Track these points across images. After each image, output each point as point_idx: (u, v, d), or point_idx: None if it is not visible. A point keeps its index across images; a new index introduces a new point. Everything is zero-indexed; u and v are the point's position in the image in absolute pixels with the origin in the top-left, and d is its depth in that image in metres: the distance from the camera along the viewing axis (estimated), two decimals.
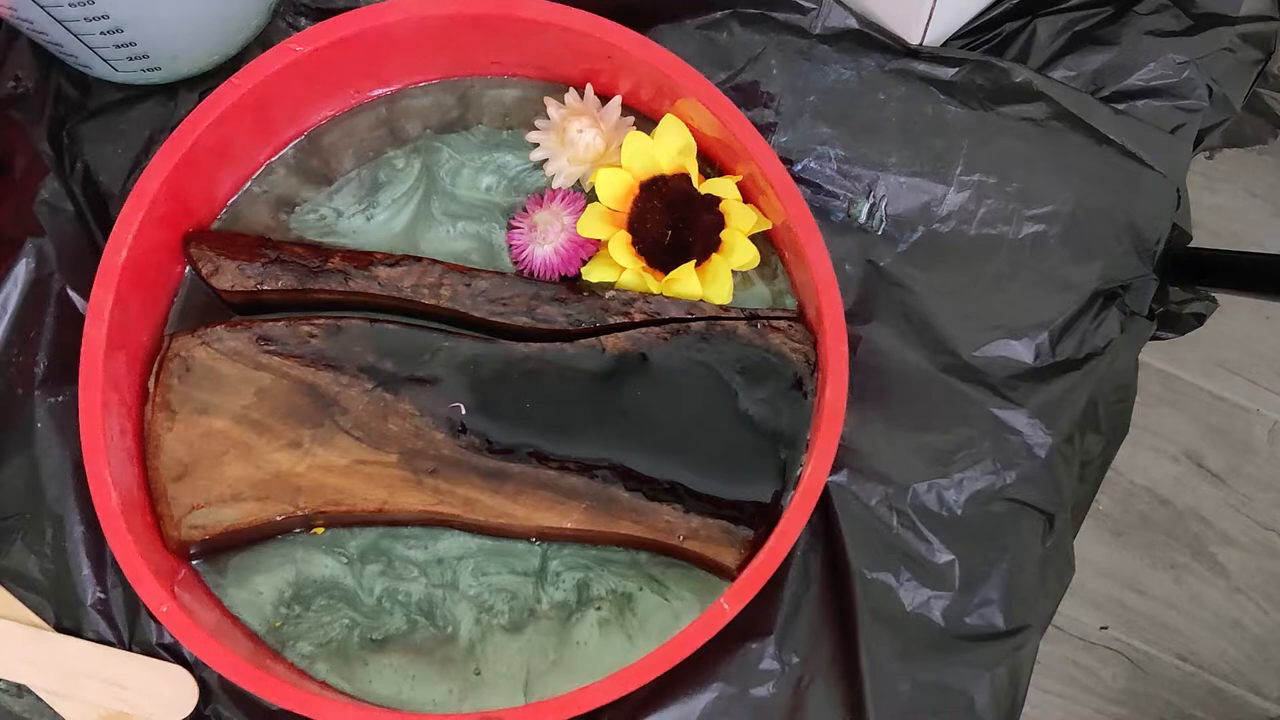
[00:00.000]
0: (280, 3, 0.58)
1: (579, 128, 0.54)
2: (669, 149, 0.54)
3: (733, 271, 0.54)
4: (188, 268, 0.55)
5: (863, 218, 0.58)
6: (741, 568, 0.50)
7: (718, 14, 0.60)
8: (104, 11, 0.50)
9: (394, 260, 0.53)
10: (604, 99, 0.56)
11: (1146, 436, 1.25)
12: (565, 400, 0.52)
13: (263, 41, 0.58)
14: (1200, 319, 0.67)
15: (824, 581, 0.55)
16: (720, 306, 0.54)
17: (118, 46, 0.52)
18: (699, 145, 0.55)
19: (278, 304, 0.53)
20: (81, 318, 0.49)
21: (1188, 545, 1.24)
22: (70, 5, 0.48)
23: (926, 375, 0.57)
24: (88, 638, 0.53)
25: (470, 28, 0.53)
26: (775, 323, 0.54)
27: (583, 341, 0.53)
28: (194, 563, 0.52)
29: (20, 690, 0.53)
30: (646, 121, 0.56)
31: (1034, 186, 0.58)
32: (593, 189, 0.55)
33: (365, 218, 0.56)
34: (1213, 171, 1.30)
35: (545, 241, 0.54)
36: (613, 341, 0.53)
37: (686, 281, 0.54)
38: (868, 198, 0.58)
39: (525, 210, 0.55)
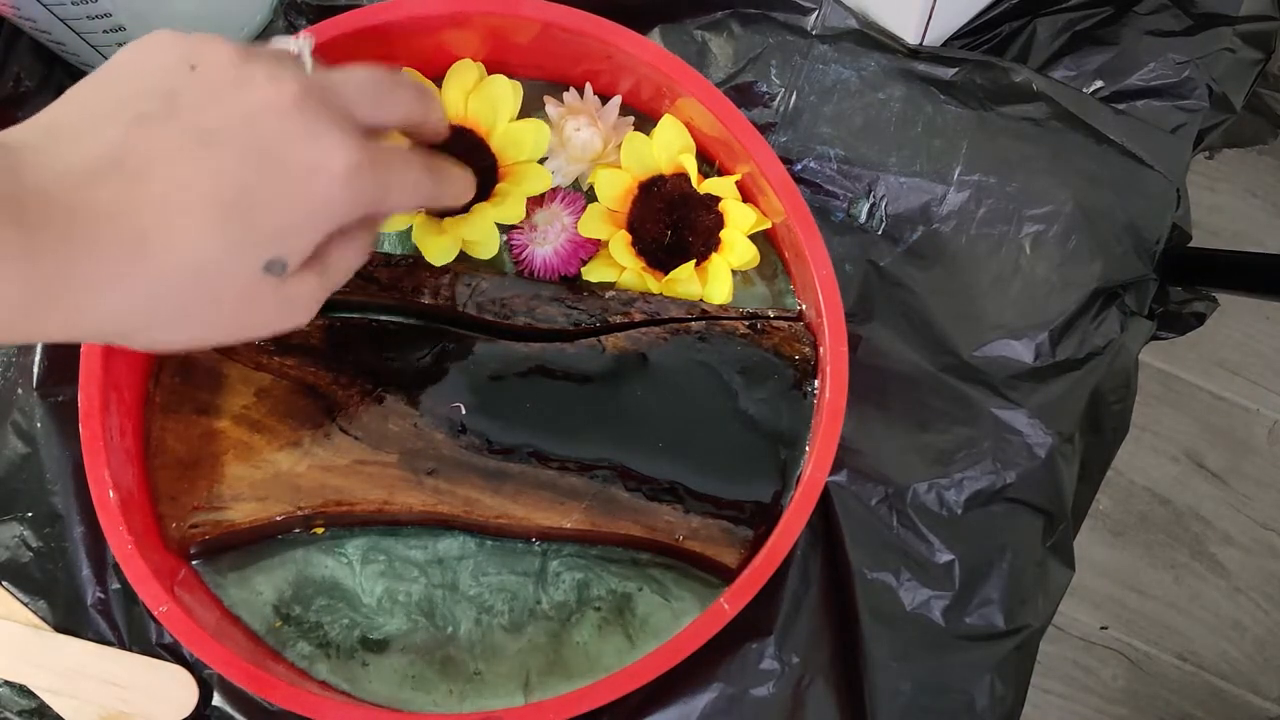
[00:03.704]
0: (281, 1, 0.58)
1: (576, 126, 0.54)
2: (668, 149, 0.54)
3: (733, 271, 0.54)
4: None
5: (863, 217, 0.58)
6: (741, 568, 0.50)
7: (717, 14, 0.60)
8: (106, 10, 0.50)
9: (394, 260, 0.53)
10: (605, 99, 0.56)
11: (1146, 436, 1.26)
12: (565, 400, 0.52)
13: (265, 39, 0.58)
14: (1200, 319, 0.67)
15: (824, 581, 0.55)
16: (720, 306, 0.54)
17: (120, 45, 0.52)
18: (698, 145, 0.55)
19: None
20: None
21: (1188, 545, 1.24)
22: (73, 4, 0.48)
23: (927, 375, 0.57)
24: (88, 638, 0.53)
25: (469, 27, 0.53)
26: (775, 323, 0.54)
27: (583, 341, 0.53)
28: (194, 563, 0.52)
29: (20, 690, 0.53)
30: (647, 121, 0.56)
31: (1034, 186, 0.58)
32: (592, 188, 0.55)
33: None
34: (1213, 171, 1.30)
35: (545, 241, 0.54)
36: (613, 341, 0.53)
37: (687, 281, 0.54)
38: (868, 197, 0.58)
39: (527, 210, 0.55)
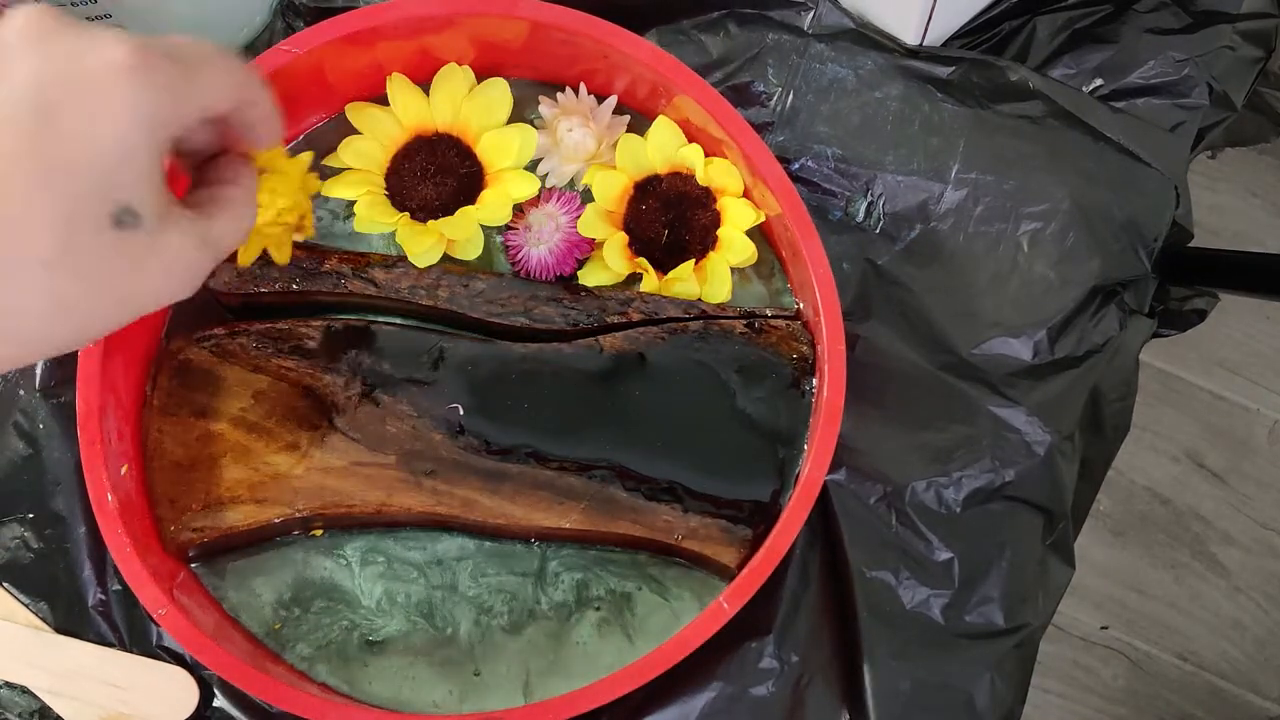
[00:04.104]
0: (280, 2, 0.59)
1: (569, 127, 0.54)
2: (662, 150, 0.54)
3: (731, 270, 0.54)
4: None
5: (860, 216, 0.58)
6: (740, 567, 0.50)
7: (714, 14, 0.60)
8: (106, 10, 0.50)
9: (391, 261, 0.53)
10: (601, 98, 0.56)
11: (1147, 436, 1.25)
12: (563, 400, 0.52)
13: (266, 40, 0.58)
14: (1202, 315, 0.67)
15: (823, 580, 0.55)
16: (718, 306, 0.54)
17: None
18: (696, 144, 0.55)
19: (275, 306, 0.53)
20: None
21: (1188, 545, 1.24)
22: (72, 4, 0.49)
23: (925, 373, 0.57)
24: (89, 639, 0.53)
25: (467, 29, 0.53)
26: (773, 322, 0.54)
27: (580, 342, 0.53)
28: (192, 565, 0.52)
29: (21, 691, 0.53)
30: (644, 120, 0.56)
31: (1031, 184, 0.58)
32: (588, 188, 0.55)
33: None
34: (1213, 171, 1.30)
35: (540, 242, 0.54)
36: (610, 341, 0.53)
37: (685, 281, 0.54)
38: (865, 196, 0.58)
39: (521, 210, 0.55)
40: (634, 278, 0.55)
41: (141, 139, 0.32)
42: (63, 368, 0.55)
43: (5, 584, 0.54)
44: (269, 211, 0.44)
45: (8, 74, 0.31)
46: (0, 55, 0.32)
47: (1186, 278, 0.65)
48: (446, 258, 0.54)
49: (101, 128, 0.31)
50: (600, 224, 0.54)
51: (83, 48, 0.32)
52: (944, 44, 0.61)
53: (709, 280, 0.54)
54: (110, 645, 0.53)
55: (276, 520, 0.50)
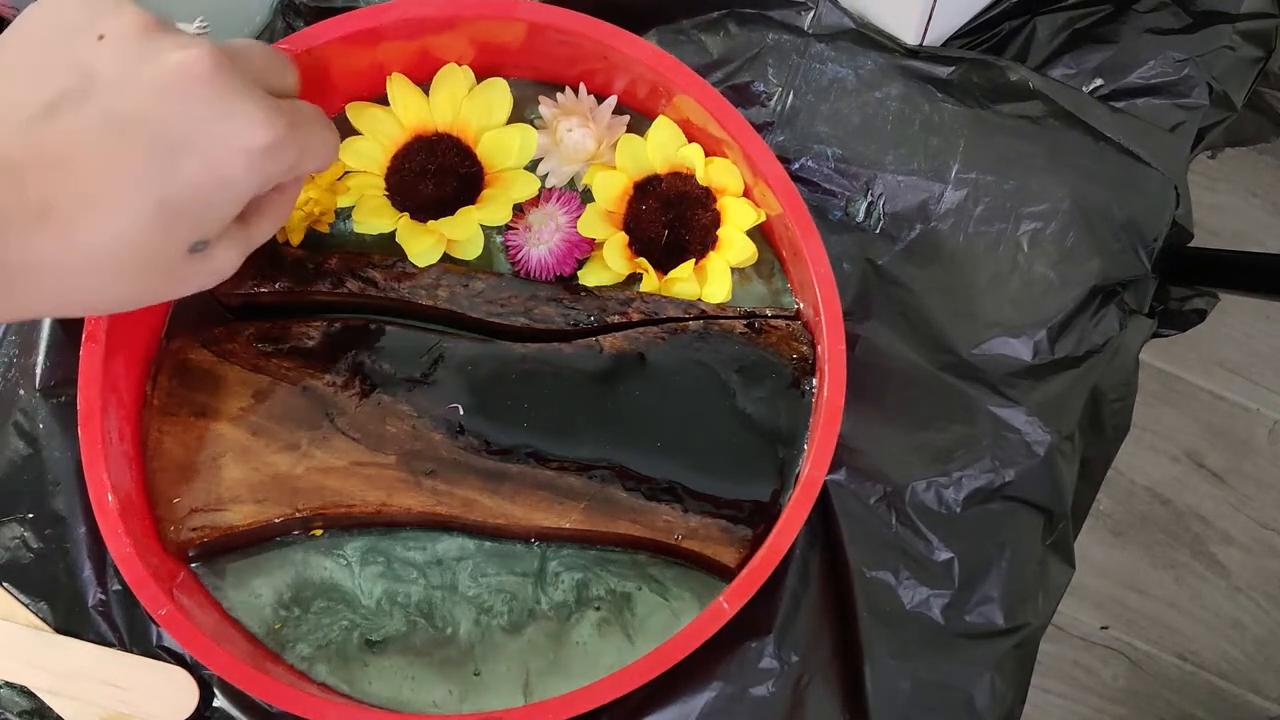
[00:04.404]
0: (280, 2, 0.59)
1: (568, 127, 0.54)
2: (662, 150, 0.54)
3: (731, 270, 0.54)
4: None
5: (860, 216, 0.58)
6: (740, 567, 0.50)
7: (714, 14, 0.60)
8: None
9: (391, 261, 0.53)
10: (601, 98, 0.56)
11: (1147, 436, 1.26)
12: (563, 400, 0.52)
13: (266, 40, 0.58)
14: (1201, 315, 0.67)
15: (823, 580, 0.55)
16: (718, 306, 0.54)
17: None
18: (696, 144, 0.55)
19: (275, 306, 0.53)
20: (83, 318, 0.49)
21: (1188, 545, 1.24)
22: None
23: (925, 373, 0.57)
24: (89, 639, 0.53)
25: (466, 30, 0.53)
26: (773, 321, 0.54)
27: (580, 342, 0.53)
28: (193, 565, 0.52)
29: (21, 691, 0.53)
30: (643, 120, 0.56)
31: (1031, 184, 0.58)
32: (588, 188, 0.55)
33: None
34: (1213, 171, 1.30)
35: (540, 242, 0.54)
36: (610, 341, 0.53)
37: (685, 281, 0.54)
38: (865, 196, 0.58)
39: (521, 210, 0.55)
40: (634, 278, 0.55)
41: (246, 197, 0.37)
42: (63, 368, 0.55)
43: (5, 584, 0.54)
44: (298, 199, 0.49)
45: (157, 101, 0.35)
46: (157, 86, 0.35)
47: (1186, 278, 0.65)
48: (446, 258, 0.54)
49: (219, 185, 0.36)
50: (600, 224, 0.54)
51: (232, 118, 0.36)
52: (944, 44, 0.61)
53: (709, 280, 0.54)
54: (110, 645, 0.54)
55: (276, 520, 0.50)
